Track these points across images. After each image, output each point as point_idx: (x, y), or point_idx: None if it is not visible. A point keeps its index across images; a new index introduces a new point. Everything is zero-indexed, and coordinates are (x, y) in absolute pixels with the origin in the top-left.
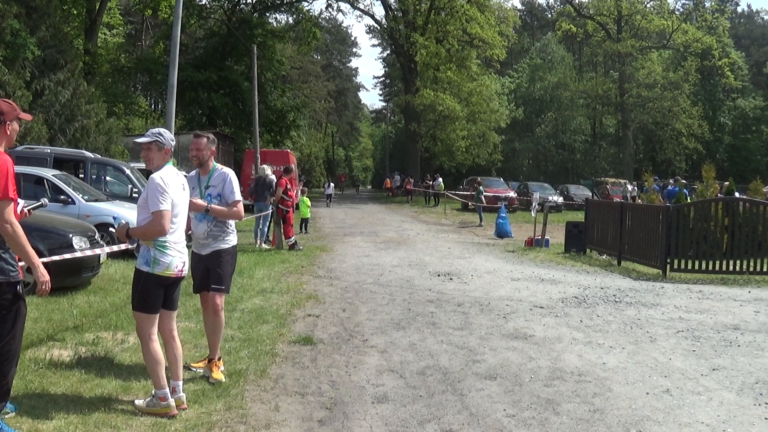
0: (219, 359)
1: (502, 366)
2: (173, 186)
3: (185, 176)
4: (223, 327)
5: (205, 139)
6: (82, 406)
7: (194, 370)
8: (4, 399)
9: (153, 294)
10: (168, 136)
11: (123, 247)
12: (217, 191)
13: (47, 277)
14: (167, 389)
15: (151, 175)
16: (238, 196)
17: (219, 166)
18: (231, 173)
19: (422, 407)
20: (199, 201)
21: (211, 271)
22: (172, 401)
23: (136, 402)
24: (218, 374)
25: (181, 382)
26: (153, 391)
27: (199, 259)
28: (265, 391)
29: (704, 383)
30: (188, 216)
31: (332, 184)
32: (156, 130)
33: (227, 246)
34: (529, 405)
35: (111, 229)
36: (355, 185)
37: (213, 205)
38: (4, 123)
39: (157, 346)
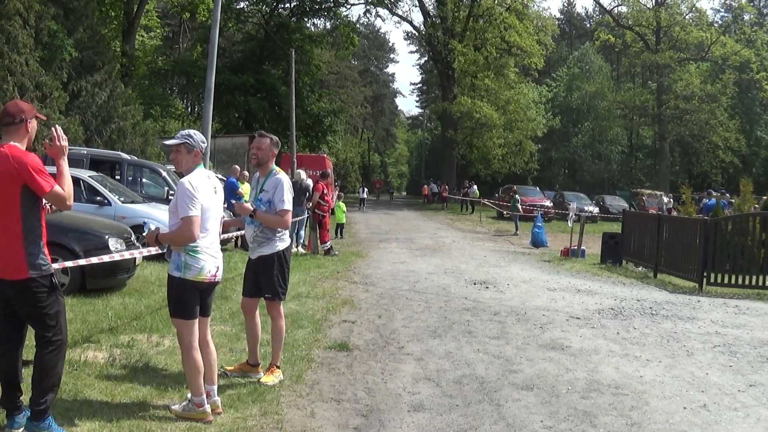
0: (278, 366)
1: (538, 377)
2: (203, 190)
3: (217, 179)
4: (281, 334)
5: (268, 140)
6: (116, 409)
7: (230, 375)
8: (54, 390)
9: (188, 299)
10: (198, 137)
11: (159, 251)
12: (268, 197)
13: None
14: (204, 395)
15: (181, 180)
16: (286, 205)
17: (277, 170)
18: (285, 180)
19: (458, 417)
20: (246, 205)
21: (260, 279)
22: (208, 407)
23: (172, 407)
24: (269, 378)
25: (216, 387)
26: (189, 396)
27: (249, 264)
28: (300, 396)
29: (741, 399)
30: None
31: (366, 189)
32: (185, 131)
33: (272, 252)
34: (566, 417)
35: (142, 233)
36: (388, 191)
37: (259, 211)
38: (26, 121)
39: (197, 354)
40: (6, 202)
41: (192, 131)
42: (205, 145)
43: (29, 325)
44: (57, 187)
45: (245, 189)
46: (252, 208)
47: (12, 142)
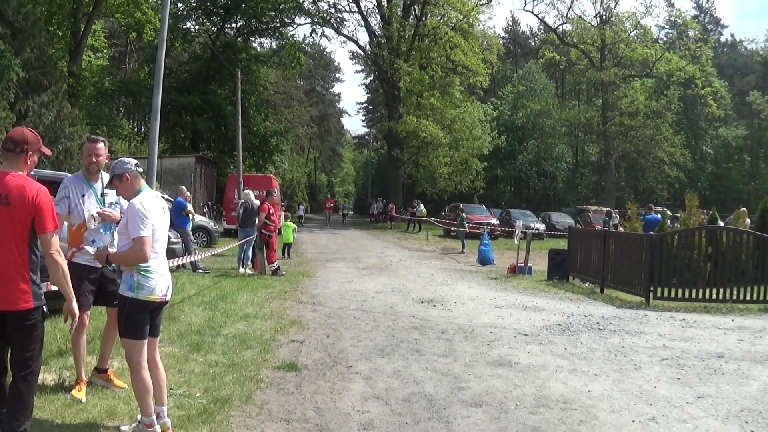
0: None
1: (487, 393)
2: (153, 211)
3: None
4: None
5: (101, 144)
6: (67, 431)
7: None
8: (30, 417)
9: (139, 319)
10: (126, 161)
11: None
12: (116, 198)
13: (77, 312)
14: (154, 416)
15: (131, 201)
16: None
17: None
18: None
19: None
20: (115, 213)
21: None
22: (158, 428)
23: (122, 428)
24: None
25: (166, 408)
26: (139, 417)
27: (95, 271)
28: (250, 417)
29: (690, 411)
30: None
31: (303, 206)
32: (112, 164)
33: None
34: None
35: (91, 250)
36: (342, 213)
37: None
38: (27, 152)
39: (146, 373)
40: (18, 233)
41: (118, 160)
42: (132, 163)
43: (14, 353)
44: (56, 234)
45: (191, 208)
46: (119, 216)
47: (17, 172)
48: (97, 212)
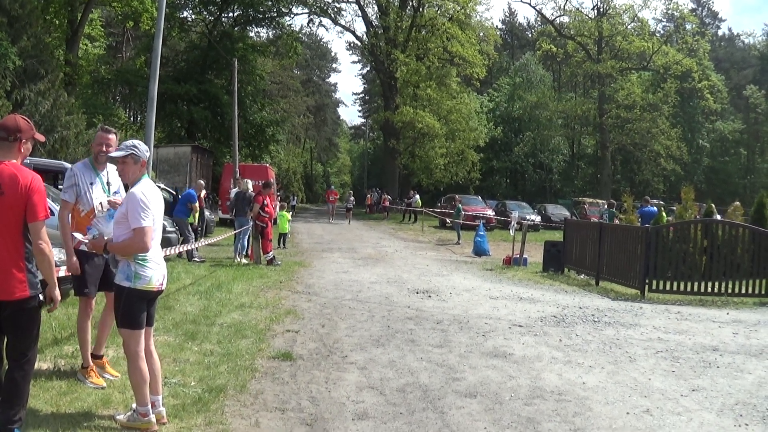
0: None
1: (482, 384)
2: (153, 201)
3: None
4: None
5: (113, 135)
6: (62, 420)
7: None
8: (25, 406)
9: (137, 309)
10: (143, 147)
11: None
12: (118, 187)
13: (59, 298)
14: (149, 405)
15: (131, 190)
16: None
17: None
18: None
19: (403, 425)
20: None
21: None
22: (152, 417)
23: (117, 417)
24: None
25: (161, 397)
26: (134, 406)
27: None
28: (245, 406)
29: (684, 403)
30: (97, 214)
31: (295, 196)
32: (130, 142)
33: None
34: (510, 423)
35: (83, 238)
36: (346, 206)
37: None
38: (20, 140)
39: (144, 364)
40: (12, 223)
41: (136, 141)
42: (149, 154)
43: (10, 342)
44: (44, 224)
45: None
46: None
47: (11, 160)
48: (108, 200)
